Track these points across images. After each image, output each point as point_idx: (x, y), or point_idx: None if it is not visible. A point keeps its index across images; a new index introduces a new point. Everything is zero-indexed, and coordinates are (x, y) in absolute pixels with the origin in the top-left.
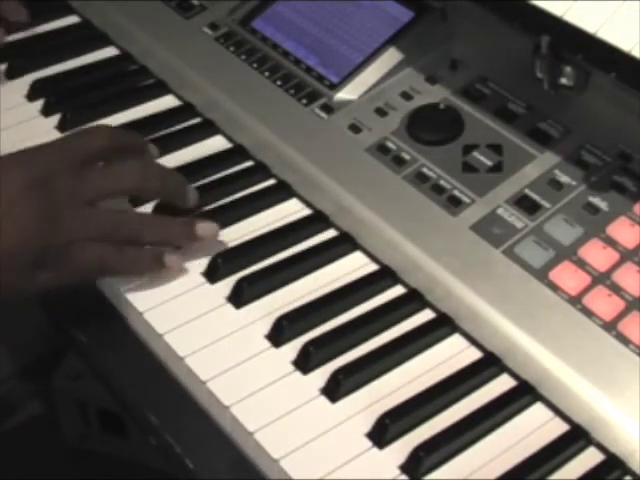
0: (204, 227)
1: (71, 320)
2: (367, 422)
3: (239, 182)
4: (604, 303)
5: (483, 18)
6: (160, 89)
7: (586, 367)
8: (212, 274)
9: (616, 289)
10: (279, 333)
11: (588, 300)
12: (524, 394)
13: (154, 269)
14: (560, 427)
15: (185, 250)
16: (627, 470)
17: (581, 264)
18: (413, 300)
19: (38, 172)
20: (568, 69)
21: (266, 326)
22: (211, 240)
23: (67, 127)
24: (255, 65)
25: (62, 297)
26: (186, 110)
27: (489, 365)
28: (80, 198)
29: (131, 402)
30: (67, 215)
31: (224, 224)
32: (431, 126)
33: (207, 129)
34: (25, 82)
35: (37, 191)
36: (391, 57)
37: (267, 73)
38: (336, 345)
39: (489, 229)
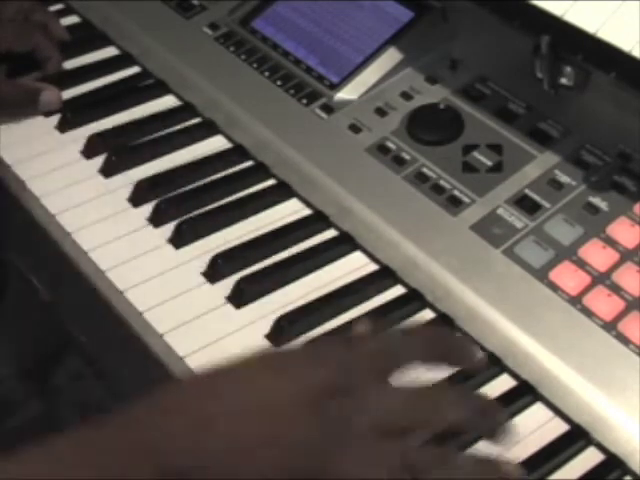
0: None
1: (71, 320)
2: None
3: (239, 182)
4: (604, 303)
5: (483, 18)
6: (160, 89)
7: (586, 367)
8: (212, 274)
9: (616, 289)
10: (279, 333)
11: (588, 300)
12: (524, 394)
13: None
14: (560, 427)
15: None
16: (627, 470)
17: (581, 264)
18: (413, 300)
19: (329, 386)
20: (568, 69)
21: (266, 326)
22: None
23: (67, 127)
24: (255, 65)
25: (62, 296)
26: (186, 110)
27: (489, 365)
28: (370, 424)
29: (131, 402)
30: (347, 448)
31: (224, 224)
32: (431, 126)
33: (207, 129)
34: None
35: (318, 414)
36: (391, 57)
37: (267, 73)
38: None
39: (489, 229)
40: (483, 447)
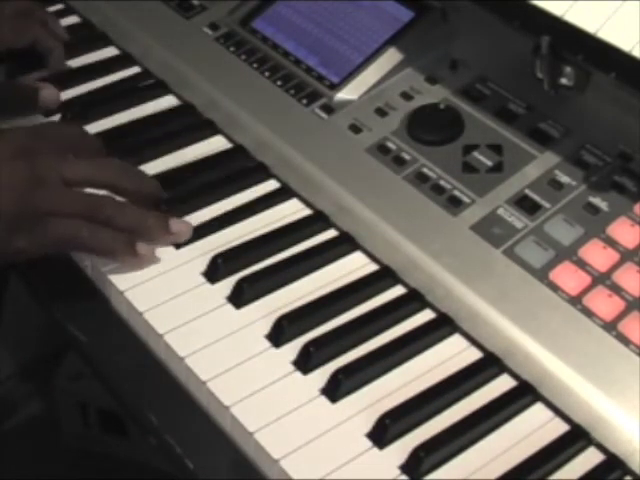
0: (178, 224)
1: (71, 320)
2: (367, 422)
3: (239, 182)
4: (604, 303)
5: (483, 18)
6: (160, 89)
7: (586, 367)
8: (212, 274)
9: (616, 289)
10: (279, 333)
11: (588, 300)
12: (524, 394)
13: (125, 254)
14: (560, 427)
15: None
16: (627, 470)
17: (581, 264)
18: (413, 300)
19: (25, 146)
20: (568, 69)
21: (266, 326)
22: (184, 238)
23: None
24: (255, 65)
25: (62, 296)
26: (186, 110)
27: (489, 365)
28: (61, 177)
29: (131, 402)
30: (48, 189)
31: (224, 224)
32: (431, 126)
33: (207, 129)
34: None
35: (22, 162)
36: (391, 57)
37: (267, 73)
38: (336, 345)
39: (489, 229)
40: None
